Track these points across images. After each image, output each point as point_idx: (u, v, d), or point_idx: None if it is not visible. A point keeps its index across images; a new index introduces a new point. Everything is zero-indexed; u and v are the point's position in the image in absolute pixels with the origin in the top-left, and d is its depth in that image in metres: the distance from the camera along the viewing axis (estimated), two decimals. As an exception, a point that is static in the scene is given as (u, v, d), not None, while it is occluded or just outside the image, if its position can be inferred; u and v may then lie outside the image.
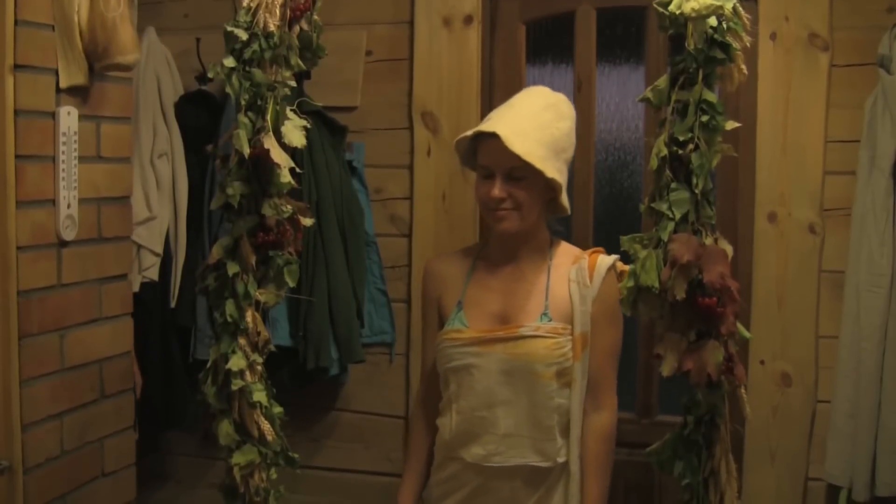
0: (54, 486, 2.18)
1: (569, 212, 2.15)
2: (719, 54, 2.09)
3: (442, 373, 2.15)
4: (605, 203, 3.25)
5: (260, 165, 2.24)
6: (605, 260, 2.13)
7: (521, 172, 2.00)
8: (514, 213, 2.04)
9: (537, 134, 2.00)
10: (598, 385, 2.10)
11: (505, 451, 2.06)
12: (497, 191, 2.01)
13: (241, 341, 2.28)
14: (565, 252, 2.17)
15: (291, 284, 2.34)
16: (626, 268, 2.09)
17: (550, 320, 2.06)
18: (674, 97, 2.12)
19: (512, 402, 2.06)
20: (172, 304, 3.17)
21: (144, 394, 2.91)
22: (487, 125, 2.02)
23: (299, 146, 2.30)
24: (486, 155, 2.05)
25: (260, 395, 2.28)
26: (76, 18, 2.16)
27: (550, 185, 2.05)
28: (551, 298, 2.09)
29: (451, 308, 2.16)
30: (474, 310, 2.12)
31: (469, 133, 2.05)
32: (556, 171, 2.01)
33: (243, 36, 2.22)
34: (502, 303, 2.11)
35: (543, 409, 2.06)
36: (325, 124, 3.14)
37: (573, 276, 2.10)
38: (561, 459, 2.08)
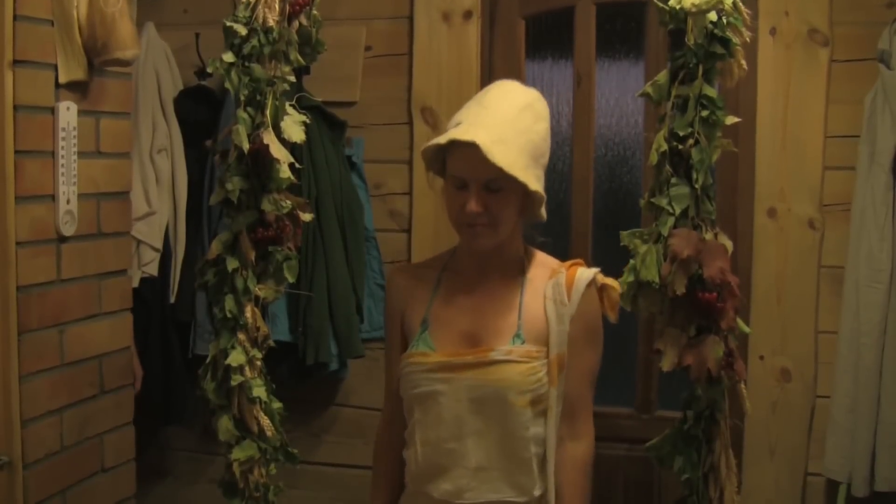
0: (54, 482, 2.19)
1: (545, 218, 1.88)
2: (719, 49, 2.09)
3: (406, 399, 1.92)
4: (605, 198, 3.25)
5: (259, 161, 2.24)
6: (584, 274, 1.88)
7: (499, 183, 1.76)
8: (490, 229, 1.80)
9: (518, 140, 1.76)
10: (575, 412, 1.89)
11: (477, 486, 1.84)
12: (473, 205, 1.76)
13: (241, 337, 2.28)
14: (541, 264, 1.92)
15: (291, 280, 2.34)
16: (609, 281, 1.91)
17: (524, 342, 1.83)
18: (674, 92, 2.12)
19: (483, 432, 1.83)
20: (172, 300, 3.17)
21: (144, 388, 2.91)
22: (463, 131, 1.75)
23: (298, 141, 2.30)
24: (460, 164, 1.78)
25: (259, 391, 2.28)
26: (75, 14, 2.16)
27: (531, 196, 1.82)
28: (525, 317, 1.85)
29: (415, 326, 1.92)
30: (441, 330, 1.88)
31: (442, 140, 1.78)
32: (536, 180, 1.80)
33: (242, 31, 2.21)
34: (471, 322, 1.87)
35: (518, 440, 1.83)
36: (324, 119, 3.14)
37: (549, 292, 1.86)
38: (537, 493, 1.86)
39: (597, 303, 1.91)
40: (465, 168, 1.77)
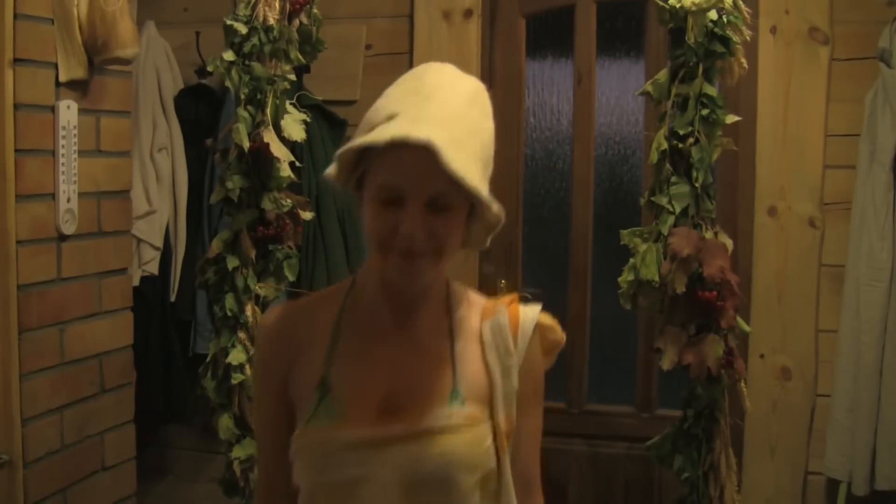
0: (54, 480, 2.19)
1: (488, 244, 1.44)
2: (719, 48, 2.10)
3: (306, 489, 1.39)
4: (605, 197, 3.24)
5: (260, 159, 2.24)
6: (530, 314, 1.47)
7: (448, 200, 1.30)
8: (434, 260, 1.34)
9: (471, 143, 1.31)
10: (529, 483, 1.49)
11: None
12: (414, 227, 1.29)
13: (241, 335, 2.28)
14: (470, 302, 1.47)
15: (291, 278, 2.35)
16: (552, 322, 1.52)
17: (464, 403, 1.37)
18: (674, 91, 2.12)
19: None
20: (172, 298, 3.18)
21: (141, 388, 2.91)
22: (409, 127, 1.26)
23: (299, 140, 2.30)
24: (397, 171, 1.29)
25: (260, 389, 2.28)
26: (75, 12, 2.16)
27: (479, 218, 1.37)
28: (461, 371, 1.40)
29: (307, 391, 1.39)
30: (349, 393, 1.38)
31: (381, 138, 1.26)
32: (488, 193, 1.32)
33: (243, 30, 2.22)
34: (391, 380, 1.39)
35: None
36: (324, 118, 3.14)
37: (488, 337, 1.43)
38: None
39: (541, 350, 1.50)
40: (404, 177, 1.29)
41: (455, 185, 1.25)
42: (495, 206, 1.32)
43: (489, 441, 1.39)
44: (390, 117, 1.30)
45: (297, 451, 1.37)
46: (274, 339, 1.46)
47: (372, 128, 1.30)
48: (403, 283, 1.37)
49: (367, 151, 1.31)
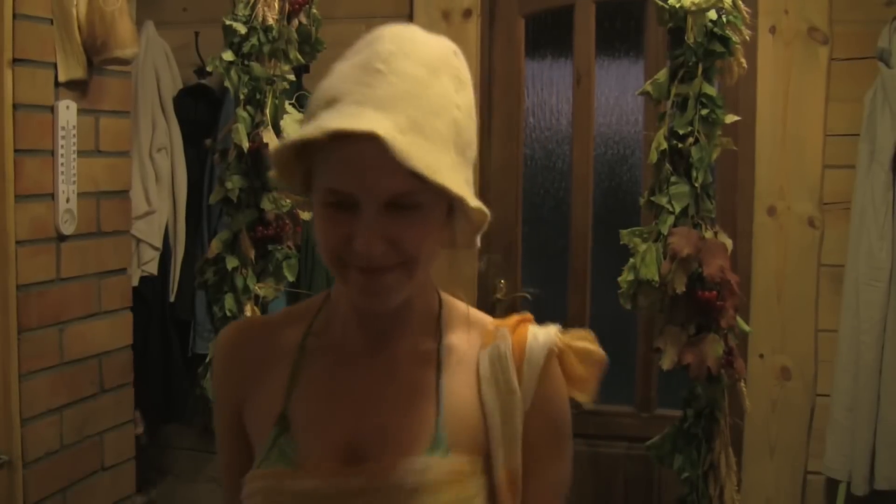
0: (54, 480, 2.19)
1: (477, 245, 1.14)
2: (719, 48, 2.10)
3: None
4: (605, 197, 3.24)
5: (259, 159, 2.24)
6: (539, 338, 1.15)
7: (414, 198, 1.03)
8: (403, 274, 1.06)
9: (438, 124, 1.03)
10: None
11: None
12: (369, 240, 1.02)
13: (241, 335, 2.28)
14: (466, 323, 1.19)
15: (291, 278, 2.34)
16: (576, 341, 1.17)
17: (448, 452, 1.10)
18: (673, 91, 2.12)
19: None
20: (171, 298, 3.17)
21: (145, 386, 2.92)
22: (348, 117, 1.00)
23: (298, 140, 2.30)
24: (342, 170, 1.02)
25: (259, 389, 2.28)
26: (75, 12, 2.15)
27: (462, 213, 1.08)
28: (448, 412, 1.11)
29: (264, 425, 1.15)
30: (310, 433, 1.13)
31: (313, 134, 1.00)
32: (468, 186, 1.07)
33: (242, 30, 2.22)
34: (359, 421, 1.12)
35: None
36: (324, 118, 3.14)
37: (486, 369, 1.14)
38: None
39: (562, 382, 1.16)
40: (352, 177, 1.02)
41: (421, 180, 0.98)
42: (473, 201, 1.03)
43: (480, 499, 1.11)
44: (330, 103, 1.03)
45: (246, 497, 1.13)
46: (229, 359, 1.22)
47: (312, 117, 1.04)
48: (368, 304, 1.09)
49: (309, 147, 1.03)
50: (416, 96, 1.03)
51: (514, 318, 1.19)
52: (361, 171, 1.01)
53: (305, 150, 1.05)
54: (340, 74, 1.06)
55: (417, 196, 1.03)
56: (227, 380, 1.22)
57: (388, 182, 1.01)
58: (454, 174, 1.03)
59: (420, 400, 1.13)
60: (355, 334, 1.17)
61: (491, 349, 1.15)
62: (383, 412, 1.13)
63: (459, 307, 1.21)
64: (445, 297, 1.21)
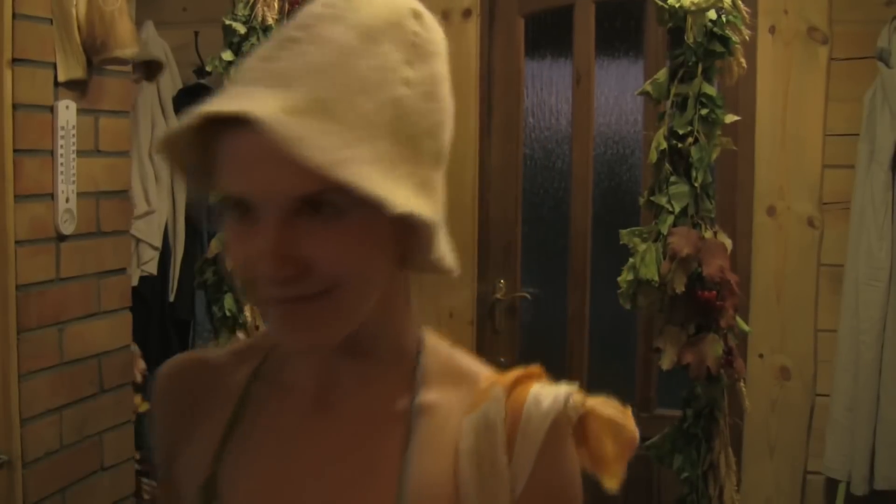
0: (53, 480, 2.18)
1: (454, 270, 0.87)
2: (718, 48, 2.10)
3: None
4: (605, 197, 3.25)
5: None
6: (543, 403, 0.87)
7: (328, 202, 0.78)
8: (325, 305, 0.80)
9: (361, 105, 0.78)
10: None
11: None
12: (271, 258, 0.78)
13: (240, 335, 2.28)
14: (454, 375, 0.91)
15: (290, 278, 2.34)
16: (609, 413, 0.88)
17: None
18: (673, 91, 2.12)
19: None
20: (171, 298, 3.17)
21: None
22: (234, 94, 0.81)
23: (298, 140, 2.30)
24: (231, 170, 0.80)
25: (259, 389, 2.28)
26: (74, 12, 2.15)
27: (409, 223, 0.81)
28: (413, 492, 0.85)
29: (189, 491, 0.92)
30: None
31: (184, 123, 0.79)
32: (417, 187, 0.80)
33: (241, 29, 2.22)
34: (299, 495, 0.88)
35: None
36: (323, 118, 3.14)
37: (469, 441, 0.86)
38: None
39: (572, 461, 0.88)
40: (240, 176, 0.79)
41: (325, 178, 0.73)
42: (400, 205, 0.75)
43: None
44: (228, 83, 0.81)
45: None
46: (163, 403, 0.98)
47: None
48: (290, 343, 0.84)
49: (211, 142, 0.80)
50: (334, 69, 0.77)
51: (516, 372, 0.89)
52: (249, 166, 0.77)
53: (205, 147, 0.81)
54: (255, 52, 0.84)
55: (334, 198, 0.76)
56: (160, 427, 0.98)
57: (287, 180, 0.75)
58: (380, 168, 0.75)
59: (378, 475, 0.86)
60: (307, 382, 0.90)
61: (478, 416, 0.86)
62: (331, 488, 0.86)
63: (447, 353, 0.92)
64: (430, 338, 0.92)
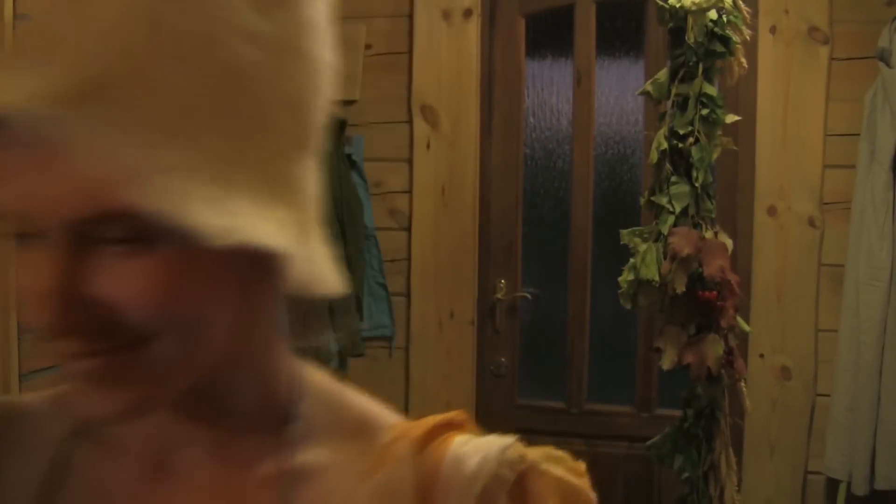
0: (54, 480, 2.18)
1: (331, 289, 0.64)
2: (719, 48, 2.10)
3: None
4: (605, 197, 3.24)
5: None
6: (468, 464, 0.62)
7: (128, 224, 0.51)
8: (137, 360, 0.54)
9: (168, 79, 0.50)
10: None
11: None
12: (47, 301, 0.54)
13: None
14: (347, 427, 0.66)
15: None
16: (563, 474, 0.63)
17: None
18: (674, 90, 2.12)
19: None
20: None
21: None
22: None
23: (298, 140, 2.30)
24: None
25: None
26: (75, 12, 2.15)
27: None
28: None
29: None
30: None
31: None
32: (253, 197, 0.54)
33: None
34: None
35: None
36: (324, 118, 3.14)
37: None
38: None
39: None
40: (5, 188, 0.53)
41: (104, 188, 0.51)
42: (224, 227, 0.51)
43: None
44: None
45: None
46: None
47: None
48: (87, 412, 0.57)
49: None
50: (126, 27, 0.51)
51: (431, 420, 0.65)
52: (11, 174, 0.53)
53: None
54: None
55: (133, 223, 0.51)
56: None
57: (61, 198, 0.52)
58: (196, 176, 0.51)
59: None
60: (144, 442, 0.65)
61: (378, 482, 0.63)
62: None
63: (336, 398, 0.68)
64: (314, 379, 0.68)
